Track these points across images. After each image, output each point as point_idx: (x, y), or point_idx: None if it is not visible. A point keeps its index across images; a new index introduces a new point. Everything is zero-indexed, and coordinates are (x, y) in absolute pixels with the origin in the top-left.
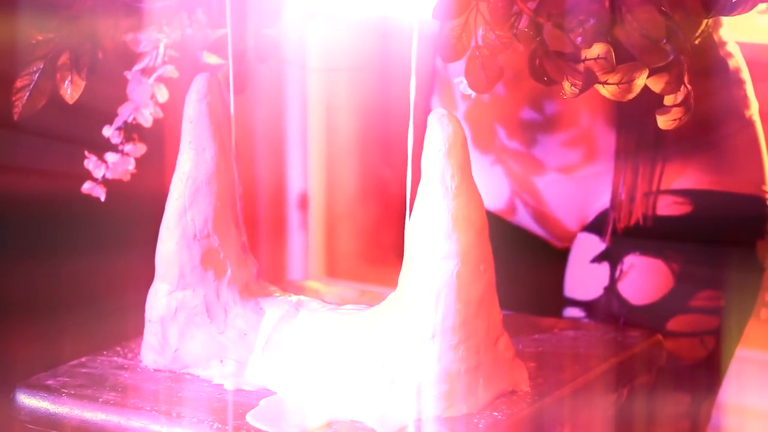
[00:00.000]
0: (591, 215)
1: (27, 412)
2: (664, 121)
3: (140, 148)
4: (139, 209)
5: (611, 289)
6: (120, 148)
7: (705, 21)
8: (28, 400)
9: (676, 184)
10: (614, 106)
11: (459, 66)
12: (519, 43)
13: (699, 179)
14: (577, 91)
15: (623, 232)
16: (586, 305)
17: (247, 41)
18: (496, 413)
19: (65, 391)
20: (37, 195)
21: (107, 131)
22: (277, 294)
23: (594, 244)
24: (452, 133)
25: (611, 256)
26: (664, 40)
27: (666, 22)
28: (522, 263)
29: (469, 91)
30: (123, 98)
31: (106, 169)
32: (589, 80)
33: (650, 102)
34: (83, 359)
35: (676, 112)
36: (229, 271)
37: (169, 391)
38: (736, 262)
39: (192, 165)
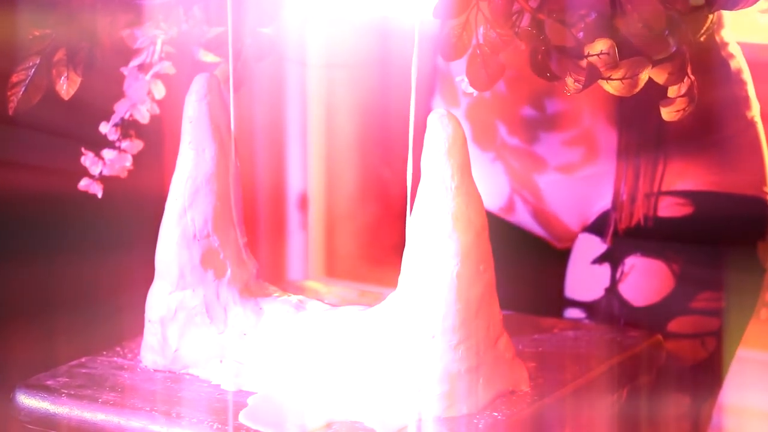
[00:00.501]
0: (592, 216)
1: (27, 412)
2: (668, 113)
3: (137, 145)
4: (136, 207)
5: (612, 290)
6: (117, 144)
7: (710, 17)
8: (27, 400)
9: (678, 185)
10: (616, 105)
11: (461, 64)
12: (521, 42)
13: (700, 180)
14: (581, 86)
15: (624, 232)
16: (586, 306)
17: (244, 40)
18: (496, 413)
19: (65, 391)
20: (34, 192)
21: (104, 128)
22: (277, 294)
23: (595, 245)
24: (452, 133)
25: (612, 257)
26: (666, 32)
27: (667, 13)
28: (523, 264)
29: (471, 90)
30: (119, 95)
31: (103, 165)
32: (592, 76)
33: (652, 102)
34: (83, 359)
35: (680, 103)
36: (228, 272)
37: (169, 391)
38: (737, 264)
39: (192, 165)
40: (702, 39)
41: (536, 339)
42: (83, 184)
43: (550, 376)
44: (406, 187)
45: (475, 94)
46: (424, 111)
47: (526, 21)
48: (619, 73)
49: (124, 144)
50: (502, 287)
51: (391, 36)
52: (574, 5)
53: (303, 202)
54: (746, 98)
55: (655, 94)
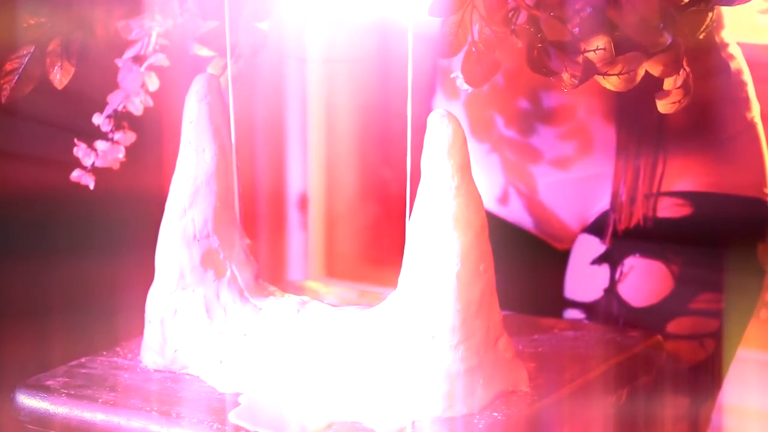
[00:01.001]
0: (591, 217)
1: (27, 412)
2: (664, 105)
3: (130, 137)
4: (131, 201)
5: (611, 290)
6: (110, 136)
7: (709, 14)
8: (27, 400)
9: (677, 186)
10: (613, 101)
11: (460, 59)
12: (517, 39)
13: (700, 181)
14: (577, 82)
15: (624, 233)
16: (586, 307)
17: (239, 34)
18: (495, 413)
19: (65, 391)
20: (26, 185)
21: (97, 119)
22: (277, 294)
23: (594, 246)
24: (452, 133)
25: (611, 258)
26: (661, 25)
27: (662, 5)
28: (523, 264)
29: (466, 86)
30: (113, 86)
31: (96, 157)
32: (588, 71)
33: (650, 99)
34: (83, 359)
35: (676, 95)
36: (228, 272)
37: (169, 391)
38: (736, 265)
39: (192, 165)
40: (701, 37)
41: (536, 339)
42: (75, 175)
43: (549, 376)
44: (405, 187)
45: (469, 91)
46: (425, 110)
47: (522, 18)
48: (616, 69)
49: (117, 136)
50: (502, 287)
51: (392, 35)
52: (570, 0)
53: (303, 202)
54: (746, 99)
55: (653, 90)
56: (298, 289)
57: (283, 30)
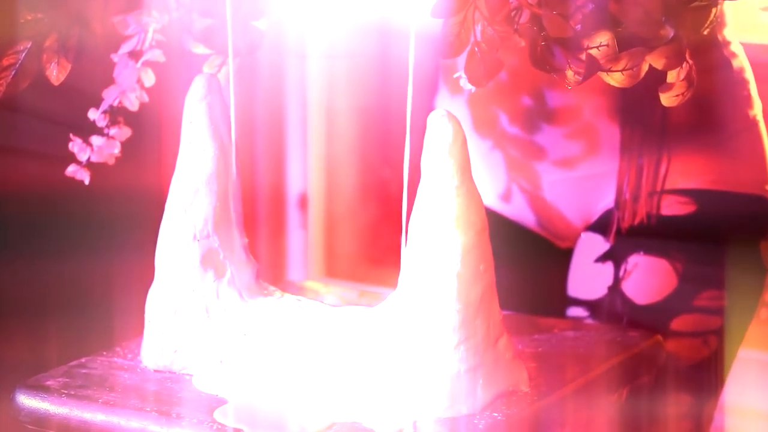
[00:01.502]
0: (595, 215)
1: (27, 412)
2: (667, 98)
3: (125, 132)
4: (129, 198)
5: (615, 288)
6: (106, 131)
7: (713, 10)
8: (27, 400)
9: (680, 184)
10: (618, 100)
11: (463, 58)
12: (520, 38)
13: (703, 179)
14: (580, 78)
15: (627, 231)
16: (589, 305)
17: (234, 32)
18: (495, 414)
19: (65, 391)
20: (22, 180)
21: (93, 114)
22: (277, 294)
23: (598, 244)
24: (452, 133)
25: (615, 256)
26: (663, 18)
27: (665, 0)
28: (526, 263)
29: (469, 86)
30: (109, 81)
31: (91, 152)
32: (592, 68)
33: (654, 97)
34: (83, 360)
35: (680, 87)
36: (228, 272)
37: (169, 391)
38: (739, 262)
39: (192, 165)
40: (705, 33)
41: (536, 339)
42: (71, 170)
43: (550, 376)
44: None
45: (473, 90)
46: (427, 110)
47: (525, 17)
48: (619, 65)
49: (113, 131)
50: (506, 286)
51: (393, 35)
52: None
53: (303, 202)
54: (748, 97)
55: (657, 90)
56: (298, 289)
57: (282, 27)
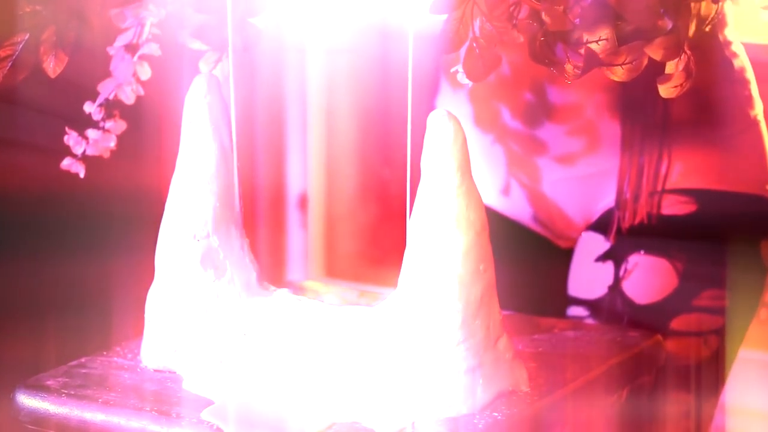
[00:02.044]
0: (596, 214)
1: (27, 412)
2: (666, 89)
3: (121, 125)
4: (124, 193)
5: (615, 288)
6: (101, 124)
7: (714, 7)
8: (28, 400)
9: (681, 184)
10: (619, 99)
11: (461, 54)
12: (519, 33)
13: (704, 179)
14: (579, 72)
15: (628, 231)
16: (590, 304)
17: (231, 29)
18: (495, 413)
19: (65, 391)
20: (17, 174)
21: (89, 107)
22: (277, 294)
23: (598, 243)
24: (452, 133)
25: (616, 255)
26: (662, 10)
27: None
28: (526, 263)
29: (466, 81)
30: (105, 74)
31: (87, 145)
32: (591, 62)
33: (655, 96)
34: (83, 359)
35: (678, 78)
36: (228, 272)
37: (169, 391)
38: (740, 262)
39: (192, 165)
40: (707, 30)
41: (536, 339)
42: (66, 163)
43: (550, 376)
44: (405, 186)
45: (470, 86)
46: (428, 110)
47: (524, 13)
48: (619, 59)
49: (108, 124)
50: (506, 285)
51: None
52: None
53: (303, 202)
54: (749, 97)
55: (658, 89)
56: (298, 289)
57: (281, 25)
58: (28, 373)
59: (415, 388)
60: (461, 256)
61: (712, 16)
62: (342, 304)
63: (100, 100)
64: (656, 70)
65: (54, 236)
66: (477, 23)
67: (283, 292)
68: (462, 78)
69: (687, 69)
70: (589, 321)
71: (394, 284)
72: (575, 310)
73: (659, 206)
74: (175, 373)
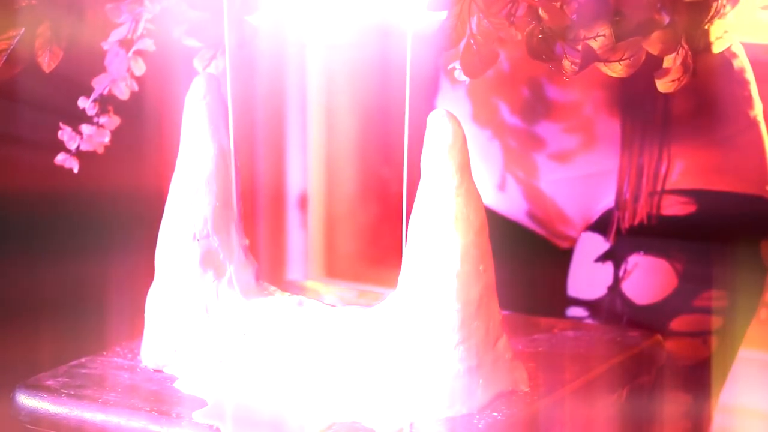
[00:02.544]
0: (595, 215)
1: (27, 412)
2: (663, 84)
3: (115, 121)
4: (124, 189)
5: (615, 288)
6: (95, 120)
7: (713, 5)
8: (28, 400)
9: (681, 184)
10: (619, 98)
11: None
12: (517, 31)
13: (703, 179)
14: (577, 69)
15: (627, 231)
16: (589, 305)
17: (227, 27)
18: (495, 413)
19: (65, 391)
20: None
21: (83, 102)
22: (277, 294)
23: (598, 244)
24: (452, 132)
25: (615, 256)
26: (659, 5)
27: None
28: (526, 263)
29: (464, 78)
30: (100, 69)
31: (81, 140)
32: (588, 58)
33: (655, 96)
34: (83, 359)
35: (676, 72)
36: (228, 272)
37: (169, 391)
38: (740, 262)
39: (192, 165)
40: (707, 27)
41: (536, 339)
42: (59, 158)
43: (549, 376)
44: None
45: (467, 82)
46: (428, 110)
47: (522, 10)
48: (617, 55)
49: (102, 120)
50: (505, 286)
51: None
52: None
53: (303, 202)
54: (749, 98)
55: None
56: (298, 289)
57: (278, 23)
58: (28, 373)
59: (415, 388)
60: (461, 257)
61: (711, 13)
62: (342, 304)
63: (94, 95)
64: (656, 69)
65: (52, 234)
66: (474, 20)
67: (284, 295)
68: (459, 75)
69: (684, 63)
70: (589, 321)
71: (394, 284)
72: (575, 311)
73: (659, 206)
74: (174, 373)
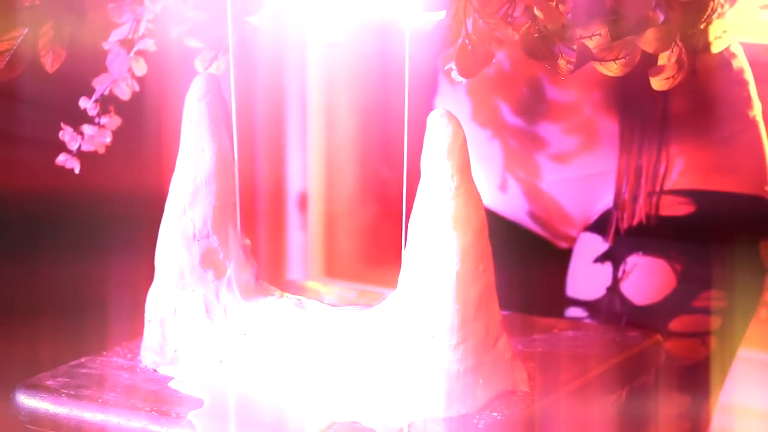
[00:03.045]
0: (594, 215)
1: (27, 412)
2: (658, 81)
3: (116, 121)
4: (125, 189)
5: (614, 289)
6: (96, 120)
7: (710, 4)
8: (28, 400)
9: (680, 184)
10: (617, 99)
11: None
12: (514, 31)
13: (702, 179)
14: (572, 68)
15: (626, 231)
16: (588, 305)
17: (227, 27)
18: (495, 413)
19: (65, 391)
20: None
21: (84, 103)
22: (277, 294)
23: (597, 244)
24: (452, 133)
25: (614, 256)
26: (654, 3)
27: None
28: (524, 263)
29: (460, 78)
30: (101, 69)
31: (82, 140)
32: (584, 57)
33: (653, 97)
34: (83, 359)
35: (670, 70)
36: (228, 272)
37: (169, 391)
38: (739, 263)
39: (192, 165)
40: (703, 26)
41: (536, 339)
42: (61, 159)
43: (549, 376)
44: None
45: (464, 83)
46: (427, 110)
47: (518, 10)
48: (613, 54)
49: (104, 120)
50: (504, 286)
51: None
52: None
53: (303, 202)
54: (748, 98)
55: (657, 89)
56: (298, 289)
57: (279, 23)
58: (28, 373)
59: (415, 388)
60: (460, 257)
61: (707, 12)
62: (342, 304)
63: (95, 95)
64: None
65: (53, 235)
66: (470, 20)
67: (284, 295)
68: (455, 75)
69: (679, 61)
70: (588, 322)
71: (394, 284)
72: (574, 311)
73: (658, 207)
74: (174, 373)
